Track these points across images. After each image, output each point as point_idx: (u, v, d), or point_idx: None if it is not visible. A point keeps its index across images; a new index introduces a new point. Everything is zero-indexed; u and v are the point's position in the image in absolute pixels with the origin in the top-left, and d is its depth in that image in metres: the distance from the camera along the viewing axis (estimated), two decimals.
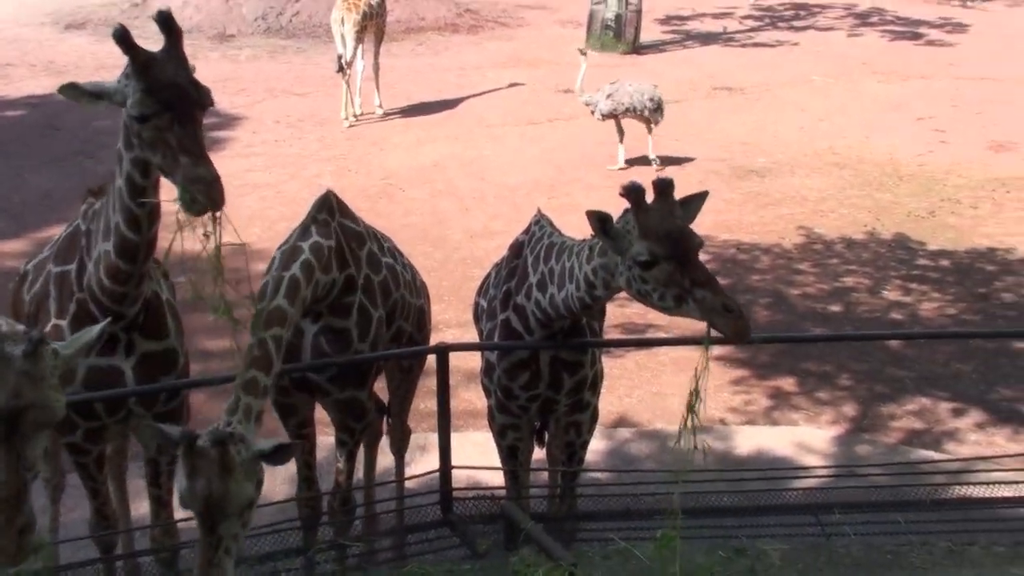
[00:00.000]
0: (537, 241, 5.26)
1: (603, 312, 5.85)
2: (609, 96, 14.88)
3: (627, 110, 14.99)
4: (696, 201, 4.59)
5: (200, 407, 7.23)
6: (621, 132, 15.21)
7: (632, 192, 4.35)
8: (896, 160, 16.24)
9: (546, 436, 6.20)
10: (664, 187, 4.43)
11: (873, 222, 13.74)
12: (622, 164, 15.22)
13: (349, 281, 5.19)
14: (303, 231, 5.11)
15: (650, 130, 15.33)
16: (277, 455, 3.85)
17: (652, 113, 15.08)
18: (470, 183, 14.96)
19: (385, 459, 7.12)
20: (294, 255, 4.94)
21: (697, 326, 4.67)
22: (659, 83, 16.02)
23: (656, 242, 4.31)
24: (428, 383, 7.19)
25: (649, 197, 4.54)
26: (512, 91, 19.74)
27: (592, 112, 15.10)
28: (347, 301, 5.18)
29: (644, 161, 15.52)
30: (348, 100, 17.42)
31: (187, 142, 4.11)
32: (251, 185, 14.42)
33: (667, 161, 15.76)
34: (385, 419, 6.85)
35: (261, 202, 13.80)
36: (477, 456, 6.76)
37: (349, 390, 5.35)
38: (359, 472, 6.38)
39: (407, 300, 5.81)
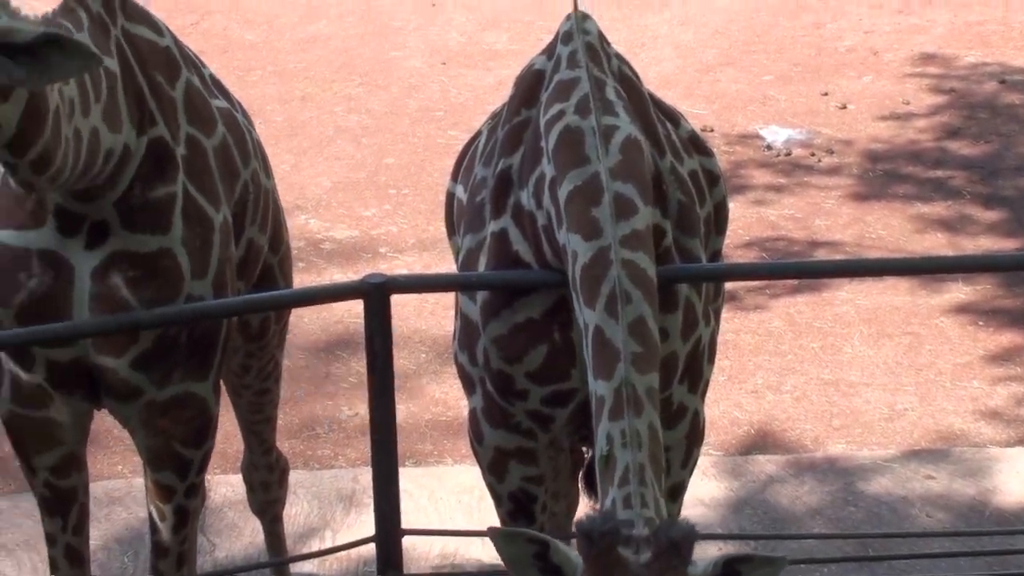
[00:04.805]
0: (571, 80, 3.64)
1: (718, 221, 4.19)
2: None
3: None
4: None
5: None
6: None
7: (585, 539, 2.95)
8: None
9: None
10: (669, 542, 2.93)
11: None
12: None
13: (158, 151, 3.66)
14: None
15: None
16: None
17: None
18: None
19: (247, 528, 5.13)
20: None
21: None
22: None
23: None
24: (353, 364, 5.91)
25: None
26: None
27: None
28: (159, 196, 3.66)
29: None
30: None
31: None
32: None
33: None
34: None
35: None
36: (460, 515, 5.22)
37: (178, 382, 3.82)
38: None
39: (261, 186, 4.14)
